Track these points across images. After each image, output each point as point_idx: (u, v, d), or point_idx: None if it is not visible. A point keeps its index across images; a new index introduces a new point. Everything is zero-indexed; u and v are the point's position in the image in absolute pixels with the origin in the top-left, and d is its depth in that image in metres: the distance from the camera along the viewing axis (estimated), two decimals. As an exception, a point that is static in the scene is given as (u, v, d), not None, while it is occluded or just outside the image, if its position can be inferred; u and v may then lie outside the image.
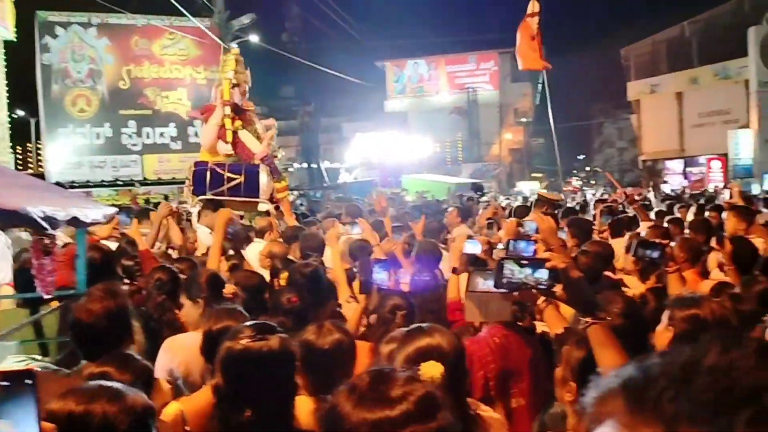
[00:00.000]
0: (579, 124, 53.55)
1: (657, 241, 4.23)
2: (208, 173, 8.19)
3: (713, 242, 5.55)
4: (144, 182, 22.42)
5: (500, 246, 4.28)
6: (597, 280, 3.84)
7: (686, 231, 6.40)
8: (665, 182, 31.63)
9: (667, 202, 13.33)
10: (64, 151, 22.08)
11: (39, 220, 3.42)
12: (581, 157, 67.36)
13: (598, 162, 60.87)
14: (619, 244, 5.49)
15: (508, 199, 17.98)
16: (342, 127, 45.29)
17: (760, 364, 0.57)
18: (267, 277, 4.37)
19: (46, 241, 3.99)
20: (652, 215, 8.57)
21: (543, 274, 2.21)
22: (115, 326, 2.67)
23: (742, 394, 0.55)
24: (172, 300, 3.79)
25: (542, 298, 2.63)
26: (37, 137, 27.01)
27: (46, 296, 4.20)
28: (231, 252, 5.17)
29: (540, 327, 3.34)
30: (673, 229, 6.49)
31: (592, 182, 52.14)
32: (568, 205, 11.13)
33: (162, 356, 3.15)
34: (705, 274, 4.64)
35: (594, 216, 8.39)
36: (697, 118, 33.77)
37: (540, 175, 48.08)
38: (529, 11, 14.09)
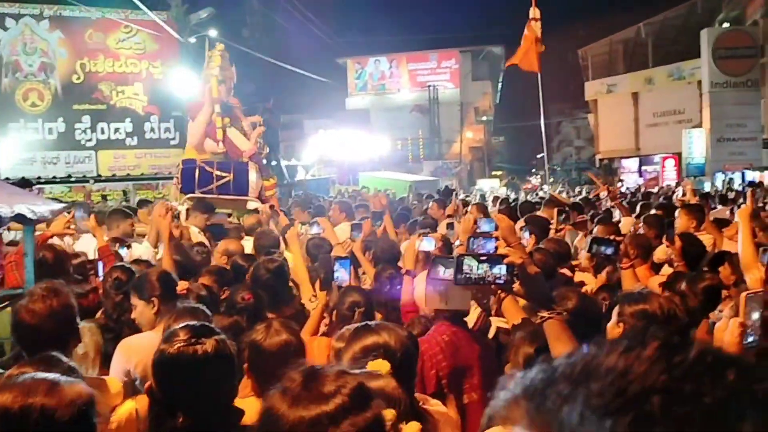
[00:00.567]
0: (538, 123, 54.26)
1: (611, 237, 4.30)
2: (197, 171, 8.14)
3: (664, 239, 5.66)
4: (98, 179, 21.91)
5: (458, 243, 4.31)
6: (552, 276, 3.89)
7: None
8: (621, 180, 32.28)
9: (633, 200, 13.55)
10: (15, 146, 21.43)
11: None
12: (540, 155, 68.25)
13: (557, 160, 61.73)
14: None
15: (468, 196, 18.07)
16: (303, 124, 44.96)
17: (655, 366, 0.55)
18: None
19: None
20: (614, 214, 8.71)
21: (501, 270, 2.25)
22: (59, 326, 2.58)
23: (631, 397, 0.53)
24: (130, 300, 3.71)
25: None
26: (-13, 132, 26.17)
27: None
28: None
29: (495, 323, 3.37)
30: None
31: (551, 180, 52.86)
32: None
33: (118, 357, 3.09)
34: (657, 269, 4.73)
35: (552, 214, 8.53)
36: (652, 118, 34.64)
37: (500, 173, 48.54)
38: (531, 16, 14.68)
